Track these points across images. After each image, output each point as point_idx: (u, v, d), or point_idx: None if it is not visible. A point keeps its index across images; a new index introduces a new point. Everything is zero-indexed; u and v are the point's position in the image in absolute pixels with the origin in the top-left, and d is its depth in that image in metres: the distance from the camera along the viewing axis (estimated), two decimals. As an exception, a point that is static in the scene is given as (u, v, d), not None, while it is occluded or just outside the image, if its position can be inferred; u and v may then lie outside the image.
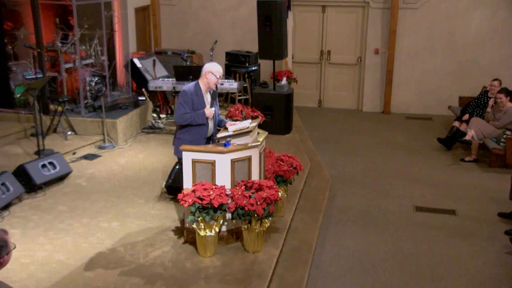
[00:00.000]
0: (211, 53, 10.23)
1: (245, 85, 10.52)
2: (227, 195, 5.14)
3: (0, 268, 3.00)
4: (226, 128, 5.60)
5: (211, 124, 5.75)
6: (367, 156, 9.14)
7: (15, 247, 3.04)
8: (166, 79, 9.76)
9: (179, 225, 5.88)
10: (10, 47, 9.42)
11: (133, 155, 8.23)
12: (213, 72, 5.57)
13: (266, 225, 5.32)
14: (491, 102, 9.07)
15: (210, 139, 5.85)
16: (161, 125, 9.46)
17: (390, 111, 11.74)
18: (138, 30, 11.41)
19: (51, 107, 8.88)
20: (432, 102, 11.56)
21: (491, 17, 10.95)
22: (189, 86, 5.69)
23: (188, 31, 12.21)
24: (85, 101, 9.06)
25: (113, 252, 5.37)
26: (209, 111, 5.64)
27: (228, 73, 10.81)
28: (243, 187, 5.25)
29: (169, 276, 4.96)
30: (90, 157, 7.99)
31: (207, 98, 5.73)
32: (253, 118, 7.60)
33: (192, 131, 5.65)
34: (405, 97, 11.68)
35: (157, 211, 6.25)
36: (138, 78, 10.29)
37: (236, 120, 7.13)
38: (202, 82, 5.65)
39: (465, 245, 6.18)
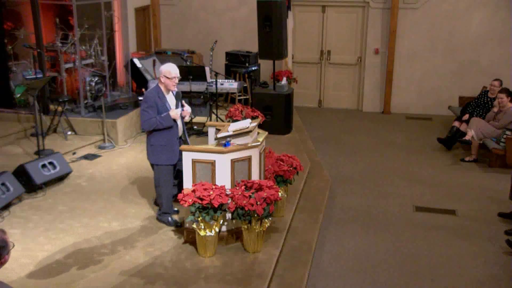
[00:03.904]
0: (211, 53, 10.23)
1: (245, 85, 10.52)
2: (227, 195, 5.15)
3: (0, 267, 3.00)
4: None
5: (179, 123, 5.74)
6: (367, 156, 9.14)
7: (13, 246, 3.05)
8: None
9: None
10: (10, 47, 9.42)
11: (133, 155, 8.23)
12: (166, 75, 5.52)
13: (266, 225, 5.33)
14: (496, 102, 8.99)
15: (180, 139, 5.85)
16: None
17: (390, 111, 11.74)
18: (138, 30, 11.41)
19: (51, 107, 8.88)
20: (432, 102, 11.56)
21: (491, 17, 10.94)
22: (150, 90, 5.65)
23: (188, 31, 12.21)
24: (85, 101, 9.06)
25: (113, 252, 5.37)
26: (174, 112, 5.57)
27: (228, 73, 10.81)
28: (243, 187, 5.25)
29: (169, 276, 4.96)
30: (90, 157, 7.99)
31: (171, 99, 5.69)
32: (253, 118, 7.60)
33: (163, 135, 5.61)
34: (405, 97, 11.68)
35: (157, 211, 6.24)
36: (138, 78, 10.29)
37: (236, 120, 7.13)
38: (161, 85, 5.61)
39: (465, 245, 6.18)
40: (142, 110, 5.56)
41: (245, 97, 10.64)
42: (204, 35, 12.03)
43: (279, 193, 5.54)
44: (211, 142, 5.92)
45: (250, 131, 5.45)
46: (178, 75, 5.59)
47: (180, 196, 5.14)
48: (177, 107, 5.69)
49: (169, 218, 5.89)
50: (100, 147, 8.39)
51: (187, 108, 5.77)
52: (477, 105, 9.47)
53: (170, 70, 5.53)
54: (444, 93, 11.43)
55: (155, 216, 6.12)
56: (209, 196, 5.01)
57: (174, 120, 5.61)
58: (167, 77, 5.53)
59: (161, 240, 5.60)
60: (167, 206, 5.87)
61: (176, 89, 5.69)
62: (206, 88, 9.43)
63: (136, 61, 10.30)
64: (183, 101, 5.79)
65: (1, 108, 8.97)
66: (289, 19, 10.31)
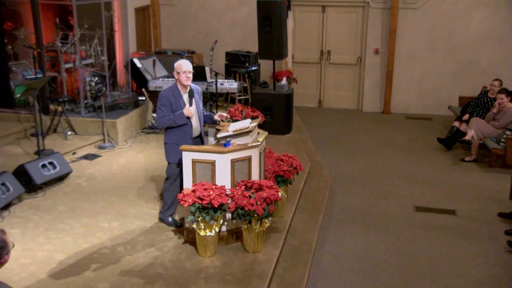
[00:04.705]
0: (211, 53, 10.22)
1: (245, 85, 10.52)
2: (227, 195, 5.15)
3: (0, 267, 3.00)
4: (215, 123, 5.70)
5: (195, 123, 5.70)
6: (367, 156, 9.14)
7: (13, 246, 3.04)
8: (166, 79, 9.76)
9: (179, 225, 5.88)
10: (10, 47, 9.42)
11: (133, 155, 8.23)
12: (177, 70, 5.55)
13: (266, 225, 5.33)
14: (496, 103, 8.96)
15: (200, 139, 5.83)
16: (161, 125, 9.44)
17: (390, 111, 11.74)
18: (138, 30, 11.41)
19: (51, 107, 8.88)
20: (432, 102, 11.56)
21: (491, 17, 10.95)
22: (166, 88, 5.70)
23: (188, 31, 12.21)
24: (85, 101, 9.06)
25: (113, 252, 5.37)
26: (187, 110, 5.56)
27: (228, 73, 10.81)
28: (243, 187, 5.25)
29: (169, 276, 4.96)
30: (90, 157, 7.99)
31: (187, 98, 5.68)
32: (253, 118, 7.59)
33: (177, 133, 5.62)
34: (405, 97, 11.68)
35: (157, 211, 6.24)
36: (138, 78, 10.29)
37: (236, 120, 7.12)
38: (178, 83, 5.64)
39: (465, 245, 6.18)
40: (157, 108, 5.63)
41: (245, 97, 10.64)
42: (204, 35, 12.03)
43: (279, 193, 5.54)
44: (211, 142, 5.92)
45: (250, 131, 5.45)
46: (190, 69, 5.58)
47: (180, 196, 5.14)
48: (190, 104, 5.66)
49: (169, 218, 5.90)
50: (100, 147, 8.39)
51: (190, 108, 5.65)
52: (477, 105, 9.47)
53: (181, 64, 5.55)
54: (444, 93, 11.43)
55: (155, 215, 6.13)
56: (209, 196, 5.01)
57: (189, 118, 5.60)
58: (178, 72, 5.55)
59: (161, 240, 5.60)
60: (167, 205, 5.87)
61: (189, 84, 5.64)
62: (206, 88, 9.43)
63: (136, 61, 10.30)
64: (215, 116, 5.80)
65: (1, 108, 8.97)
66: (289, 19, 10.31)
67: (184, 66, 5.55)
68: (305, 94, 12.16)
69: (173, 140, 5.64)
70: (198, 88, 5.82)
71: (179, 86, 5.63)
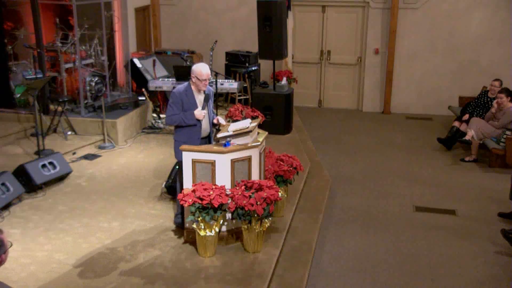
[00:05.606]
0: (211, 53, 10.21)
1: (245, 85, 10.51)
2: (227, 195, 5.14)
3: (-2, 267, 3.00)
4: (215, 125, 5.68)
5: (204, 124, 5.70)
6: (367, 156, 9.14)
7: (11, 245, 3.03)
8: (166, 79, 9.76)
9: (179, 225, 5.89)
10: (10, 47, 9.41)
11: (133, 155, 8.23)
12: (197, 77, 5.52)
13: (266, 225, 5.33)
14: (495, 103, 8.97)
15: (208, 139, 5.82)
16: (161, 125, 9.46)
17: (390, 111, 11.74)
18: (138, 30, 11.41)
19: (51, 107, 8.88)
20: (432, 102, 11.56)
21: (491, 17, 10.95)
22: (180, 86, 5.69)
23: (188, 31, 12.21)
24: (85, 101, 9.06)
25: (113, 252, 5.37)
26: (198, 112, 5.56)
27: (228, 73, 10.81)
28: (243, 187, 5.25)
29: (169, 276, 4.96)
30: (90, 157, 7.99)
31: (199, 99, 5.68)
32: (253, 118, 7.59)
33: (185, 131, 5.63)
34: (405, 97, 11.68)
35: (157, 211, 6.25)
36: (138, 78, 10.29)
37: (236, 121, 7.12)
38: (192, 84, 5.63)
39: (465, 245, 6.18)
40: (168, 105, 5.64)
41: (245, 97, 10.64)
42: (204, 35, 12.03)
43: (279, 193, 5.54)
44: (211, 142, 5.92)
45: (250, 131, 5.45)
46: (210, 76, 5.59)
47: (180, 196, 5.14)
48: (203, 108, 5.64)
49: (179, 216, 5.87)
50: (100, 147, 8.39)
51: (202, 112, 5.64)
52: (477, 105, 9.47)
53: (202, 71, 5.50)
54: (444, 93, 11.43)
55: (155, 215, 6.13)
56: (209, 196, 5.01)
57: (199, 120, 5.59)
58: (198, 79, 5.52)
59: (161, 240, 5.60)
60: (177, 204, 5.85)
61: (206, 90, 5.66)
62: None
63: (136, 61, 10.30)
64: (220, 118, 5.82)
65: (1, 108, 8.97)
66: (289, 19, 10.31)
67: (205, 74, 5.51)
68: (305, 94, 12.16)
69: (181, 138, 5.65)
70: (211, 89, 5.81)
71: (193, 87, 5.62)
